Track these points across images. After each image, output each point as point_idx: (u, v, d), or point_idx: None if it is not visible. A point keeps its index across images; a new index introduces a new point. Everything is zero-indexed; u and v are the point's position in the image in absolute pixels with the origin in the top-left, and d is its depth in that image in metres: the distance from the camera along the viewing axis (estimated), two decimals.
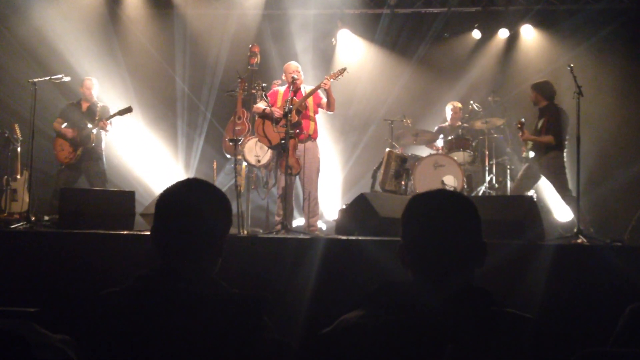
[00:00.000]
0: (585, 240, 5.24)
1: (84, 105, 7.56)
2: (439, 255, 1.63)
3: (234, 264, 3.64)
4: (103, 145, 7.51)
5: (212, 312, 1.62)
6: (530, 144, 6.76)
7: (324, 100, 6.65)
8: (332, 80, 6.47)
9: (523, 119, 6.73)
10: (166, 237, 1.79)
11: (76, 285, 4.20)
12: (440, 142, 8.34)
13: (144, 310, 1.64)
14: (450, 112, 8.46)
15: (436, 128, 8.47)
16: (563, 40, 9.02)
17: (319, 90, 6.56)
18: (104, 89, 8.03)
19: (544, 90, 6.80)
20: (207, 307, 1.63)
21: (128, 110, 7.19)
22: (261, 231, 7.06)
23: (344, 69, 6.53)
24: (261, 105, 6.60)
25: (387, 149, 7.61)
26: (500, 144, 8.34)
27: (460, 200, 1.73)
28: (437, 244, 1.63)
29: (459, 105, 8.51)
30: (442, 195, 1.75)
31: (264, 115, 6.56)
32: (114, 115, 7.26)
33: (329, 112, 6.79)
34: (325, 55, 9.41)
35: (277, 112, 6.42)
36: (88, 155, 7.34)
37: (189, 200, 1.79)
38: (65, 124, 7.36)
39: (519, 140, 7.32)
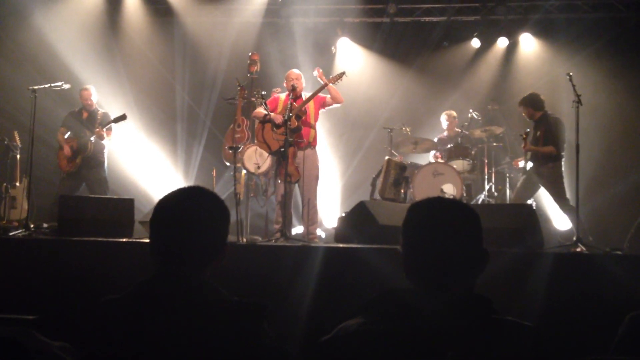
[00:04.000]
0: (584, 248, 5.23)
1: (85, 114, 7.56)
2: (439, 263, 1.63)
3: (234, 271, 3.63)
4: (105, 152, 7.50)
5: (212, 320, 1.62)
6: (529, 154, 6.77)
7: (328, 97, 6.58)
8: (330, 84, 6.50)
9: (528, 130, 6.74)
10: (164, 244, 1.79)
11: (75, 293, 4.19)
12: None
13: (143, 317, 1.64)
14: (446, 122, 8.47)
15: (436, 139, 8.46)
16: (562, 48, 9.04)
17: (320, 93, 6.57)
18: (104, 97, 8.03)
19: (534, 102, 6.81)
20: (207, 315, 1.63)
21: (122, 117, 7.08)
22: (260, 239, 7.04)
23: (342, 73, 6.54)
24: (262, 110, 6.59)
25: (387, 157, 7.61)
26: (499, 153, 8.35)
27: (459, 208, 1.73)
28: (437, 252, 1.63)
29: (454, 113, 8.53)
30: (441, 203, 1.75)
31: (265, 121, 6.55)
32: (109, 123, 7.24)
33: (338, 105, 6.66)
34: (325, 64, 9.41)
35: (278, 118, 6.41)
36: (87, 163, 7.33)
37: (187, 207, 1.79)
38: (68, 133, 7.35)
39: (518, 150, 7.32)
